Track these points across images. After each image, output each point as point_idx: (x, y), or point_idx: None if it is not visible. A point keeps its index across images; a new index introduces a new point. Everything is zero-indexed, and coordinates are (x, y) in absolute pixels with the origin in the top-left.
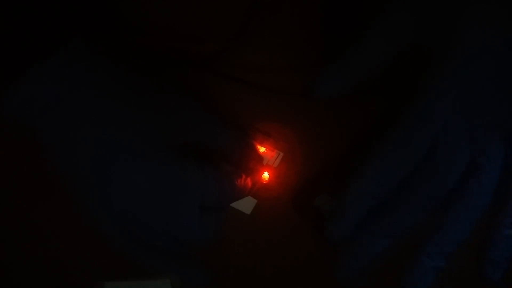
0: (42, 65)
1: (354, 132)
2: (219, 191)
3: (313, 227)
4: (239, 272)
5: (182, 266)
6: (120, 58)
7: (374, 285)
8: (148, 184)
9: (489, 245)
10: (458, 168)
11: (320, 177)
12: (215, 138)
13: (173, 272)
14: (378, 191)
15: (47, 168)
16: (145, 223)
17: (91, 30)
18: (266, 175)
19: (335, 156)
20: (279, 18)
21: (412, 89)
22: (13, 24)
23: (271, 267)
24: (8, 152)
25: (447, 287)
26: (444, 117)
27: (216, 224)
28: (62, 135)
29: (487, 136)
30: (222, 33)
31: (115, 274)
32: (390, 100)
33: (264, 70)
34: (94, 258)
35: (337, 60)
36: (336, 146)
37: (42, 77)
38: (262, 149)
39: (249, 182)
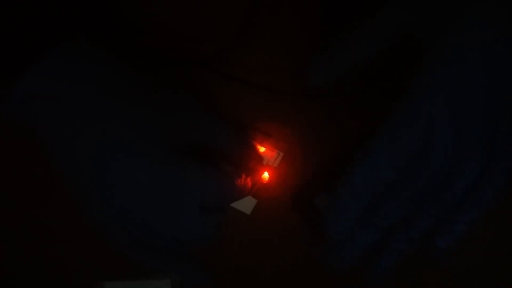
0: (42, 63)
1: (354, 132)
2: (219, 191)
3: (313, 227)
4: (239, 272)
5: (182, 266)
6: (121, 58)
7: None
8: (148, 184)
9: (438, 235)
10: (445, 167)
11: (320, 177)
12: (215, 138)
13: (173, 272)
14: (369, 188)
15: (47, 167)
16: (145, 223)
17: (92, 29)
18: (266, 175)
19: (335, 156)
20: (279, 18)
21: (404, 87)
22: (13, 23)
23: (271, 267)
24: (8, 152)
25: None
26: (434, 114)
27: (216, 224)
28: (61, 134)
29: (472, 138)
30: (222, 33)
31: (115, 274)
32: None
33: (264, 70)
34: (94, 258)
35: (330, 47)
36: (335, 146)
37: (42, 75)
38: (262, 149)
39: (249, 182)
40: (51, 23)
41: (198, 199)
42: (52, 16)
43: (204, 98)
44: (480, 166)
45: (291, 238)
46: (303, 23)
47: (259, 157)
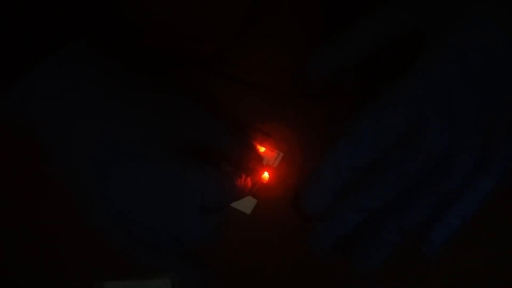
0: (43, 64)
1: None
2: (219, 191)
3: (313, 227)
4: (239, 272)
5: (182, 265)
6: (121, 58)
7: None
8: (148, 184)
9: (432, 228)
10: (434, 152)
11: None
12: (215, 138)
13: (173, 271)
14: (351, 163)
15: (47, 167)
16: (145, 223)
17: (92, 30)
18: (266, 175)
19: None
20: (279, 18)
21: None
22: (14, 24)
23: (271, 267)
24: (8, 152)
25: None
26: (430, 96)
27: (216, 224)
28: (61, 134)
29: (469, 129)
30: (222, 33)
31: (115, 274)
32: None
33: (264, 70)
34: (94, 258)
35: (329, 42)
36: None
37: (43, 76)
38: (262, 149)
39: (249, 182)
40: (52, 24)
41: (198, 199)
42: (52, 17)
43: (204, 98)
44: (475, 157)
45: (291, 238)
46: (303, 23)
47: (259, 157)
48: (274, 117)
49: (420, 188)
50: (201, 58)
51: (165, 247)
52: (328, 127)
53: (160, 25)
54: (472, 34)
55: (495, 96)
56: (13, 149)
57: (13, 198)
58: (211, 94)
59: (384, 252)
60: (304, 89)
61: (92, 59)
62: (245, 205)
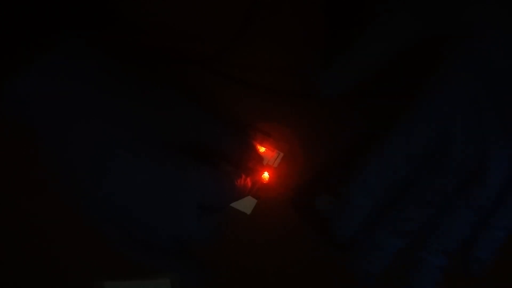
0: (40, 62)
1: (354, 132)
2: (218, 191)
3: (313, 227)
4: (239, 272)
5: (181, 265)
6: (120, 57)
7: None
8: (147, 183)
9: (477, 245)
10: (466, 165)
11: (320, 177)
12: (215, 138)
13: (173, 271)
14: (382, 184)
15: (46, 167)
16: (145, 223)
17: (91, 29)
18: (266, 175)
19: (335, 156)
20: (279, 18)
21: (416, 87)
22: (12, 22)
23: (271, 267)
24: (8, 151)
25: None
26: (455, 109)
27: (216, 224)
28: (59, 132)
29: (496, 136)
30: (222, 33)
31: (115, 274)
32: (390, 101)
33: (264, 70)
34: (94, 258)
35: (342, 55)
36: (336, 146)
37: (40, 74)
38: (262, 149)
39: (249, 182)
40: (51, 22)
41: (198, 199)
42: (51, 15)
43: (204, 98)
44: (508, 165)
45: (291, 238)
46: (303, 23)
47: (259, 157)
48: (274, 117)
49: (457, 205)
50: (201, 58)
51: (165, 247)
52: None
53: (160, 25)
54: (484, 43)
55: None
56: (13, 149)
57: (13, 198)
58: (211, 94)
59: (433, 276)
60: (304, 89)
61: (92, 58)
62: (245, 205)
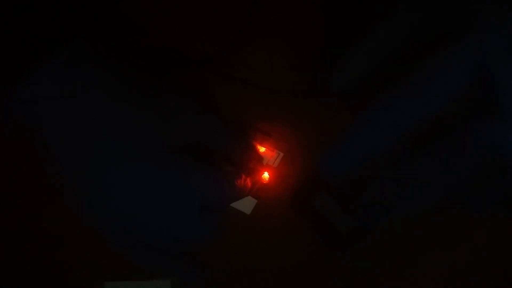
0: (44, 65)
1: None
2: (219, 191)
3: (313, 227)
4: (239, 272)
5: (182, 266)
6: (122, 59)
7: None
8: (148, 184)
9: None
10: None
11: (320, 177)
12: (215, 138)
13: (173, 272)
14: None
15: (48, 168)
16: (145, 223)
17: (92, 30)
18: (266, 175)
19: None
20: (280, 18)
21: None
22: (17, 25)
23: (271, 267)
24: (9, 152)
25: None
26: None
27: (216, 224)
28: (63, 135)
29: None
30: (223, 33)
31: (115, 274)
32: None
33: (264, 70)
34: (94, 258)
35: (345, 55)
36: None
37: (44, 77)
38: (262, 149)
39: (249, 182)
40: (54, 25)
41: (198, 199)
42: (54, 18)
43: (204, 98)
44: None
45: (291, 238)
46: (304, 23)
47: (259, 157)
48: (274, 117)
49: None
50: (201, 58)
51: (165, 247)
52: None
53: (160, 25)
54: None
55: None
56: (15, 149)
57: (13, 198)
58: (211, 94)
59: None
60: (304, 89)
61: (94, 60)
62: (245, 205)
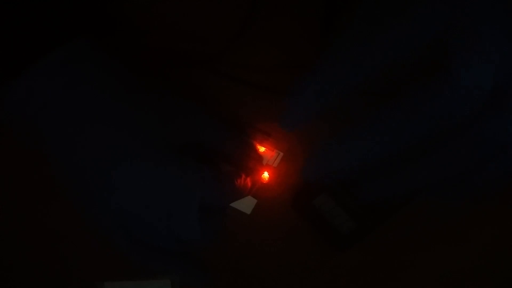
0: (43, 62)
1: None
2: (218, 191)
3: (313, 227)
4: (239, 272)
5: (182, 266)
6: (123, 59)
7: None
8: (148, 184)
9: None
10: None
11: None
12: (215, 138)
13: (173, 272)
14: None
15: (48, 168)
16: (146, 223)
17: (94, 30)
18: (266, 175)
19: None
20: (279, 18)
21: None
22: (17, 23)
23: (271, 266)
24: (10, 152)
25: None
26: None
27: (216, 224)
28: (62, 133)
29: None
30: (223, 33)
31: (115, 274)
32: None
33: (264, 70)
34: (94, 258)
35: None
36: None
37: (43, 74)
38: (262, 149)
39: (249, 182)
40: (54, 22)
41: (198, 199)
42: (55, 16)
43: (204, 98)
44: None
45: (291, 238)
46: (304, 24)
47: (259, 157)
48: (274, 117)
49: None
50: (202, 58)
51: (165, 247)
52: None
53: (162, 26)
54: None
55: None
56: (15, 149)
57: (14, 198)
58: (212, 94)
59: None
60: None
61: (94, 58)
62: (245, 205)
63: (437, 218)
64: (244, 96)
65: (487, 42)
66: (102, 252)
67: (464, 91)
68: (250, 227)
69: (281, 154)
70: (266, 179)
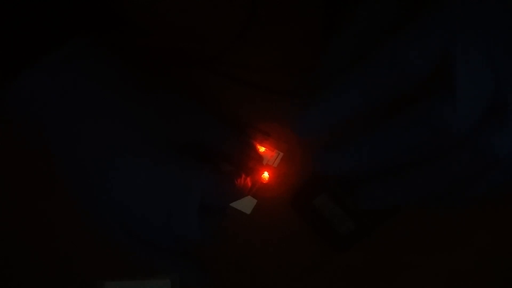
0: (45, 59)
1: None
2: (218, 191)
3: (313, 227)
4: (239, 272)
5: (182, 266)
6: (124, 57)
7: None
8: (148, 183)
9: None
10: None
11: (319, 177)
12: (215, 138)
13: (173, 271)
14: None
15: (49, 165)
16: (146, 222)
17: (94, 27)
18: (266, 175)
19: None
20: (280, 18)
21: None
22: (20, 20)
23: (270, 267)
24: (10, 149)
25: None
26: (455, 25)
27: (216, 223)
28: (65, 130)
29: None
30: (224, 33)
31: (115, 274)
32: None
33: (264, 70)
34: (94, 258)
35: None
36: None
37: (45, 71)
38: (262, 149)
39: (249, 182)
40: (56, 20)
41: (198, 198)
42: (58, 14)
43: (205, 98)
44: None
45: (291, 238)
46: (304, 24)
47: (259, 157)
48: (274, 117)
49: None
50: (202, 58)
51: (165, 246)
52: None
53: (162, 25)
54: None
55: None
56: (16, 146)
57: (13, 196)
58: (212, 94)
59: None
60: (304, 89)
61: (96, 56)
62: (245, 205)
63: (437, 219)
64: (244, 96)
65: (485, 60)
66: (102, 252)
67: (463, 109)
68: (250, 227)
69: (281, 154)
70: (266, 179)
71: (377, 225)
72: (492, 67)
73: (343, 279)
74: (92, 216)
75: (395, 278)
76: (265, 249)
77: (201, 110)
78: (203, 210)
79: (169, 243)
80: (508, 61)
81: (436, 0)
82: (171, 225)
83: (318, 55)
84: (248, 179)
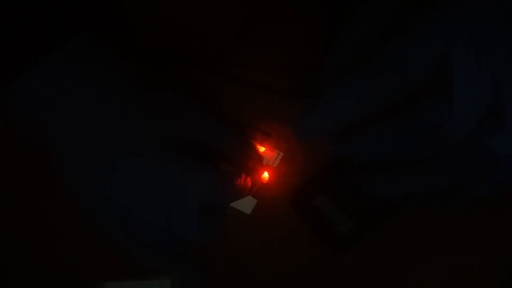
0: (46, 58)
1: None
2: (218, 191)
3: (313, 227)
4: (239, 272)
5: (182, 266)
6: (125, 57)
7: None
8: (148, 183)
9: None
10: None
11: (319, 177)
12: (215, 138)
13: (173, 271)
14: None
15: (49, 165)
16: (146, 222)
17: (96, 28)
18: (266, 175)
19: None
20: (280, 18)
21: None
22: (21, 18)
23: (270, 266)
24: (10, 149)
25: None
26: (455, 27)
27: (216, 223)
28: (65, 130)
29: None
30: (224, 33)
31: (115, 274)
32: None
33: (264, 70)
34: (94, 258)
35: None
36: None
37: (46, 70)
38: (262, 149)
39: (249, 182)
40: (58, 20)
41: (198, 198)
42: (58, 13)
43: (205, 98)
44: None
45: (291, 238)
46: (304, 24)
47: (259, 157)
48: (274, 117)
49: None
50: (203, 58)
51: (165, 247)
52: None
53: (162, 25)
54: None
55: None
56: (16, 145)
57: (13, 196)
58: (212, 94)
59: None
60: (304, 89)
61: (96, 56)
62: (245, 205)
63: (437, 219)
64: (244, 96)
65: (486, 60)
66: (102, 252)
67: (462, 115)
68: (250, 227)
69: (281, 154)
70: (266, 179)
71: (377, 225)
72: (492, 68)
73: (343, 279)
74: (92, 216)
75: (395, 278)
76: (265, 249)
77: (201, 110)
78: (203, 210)
79: (169, 243)
80: (508, 62)
81: (436, 1)
82: (171, 225)
83: (318, 55)
84: (248, 179)
